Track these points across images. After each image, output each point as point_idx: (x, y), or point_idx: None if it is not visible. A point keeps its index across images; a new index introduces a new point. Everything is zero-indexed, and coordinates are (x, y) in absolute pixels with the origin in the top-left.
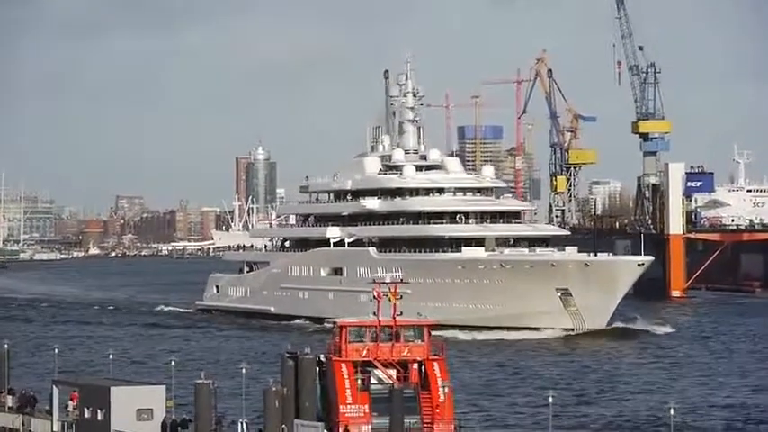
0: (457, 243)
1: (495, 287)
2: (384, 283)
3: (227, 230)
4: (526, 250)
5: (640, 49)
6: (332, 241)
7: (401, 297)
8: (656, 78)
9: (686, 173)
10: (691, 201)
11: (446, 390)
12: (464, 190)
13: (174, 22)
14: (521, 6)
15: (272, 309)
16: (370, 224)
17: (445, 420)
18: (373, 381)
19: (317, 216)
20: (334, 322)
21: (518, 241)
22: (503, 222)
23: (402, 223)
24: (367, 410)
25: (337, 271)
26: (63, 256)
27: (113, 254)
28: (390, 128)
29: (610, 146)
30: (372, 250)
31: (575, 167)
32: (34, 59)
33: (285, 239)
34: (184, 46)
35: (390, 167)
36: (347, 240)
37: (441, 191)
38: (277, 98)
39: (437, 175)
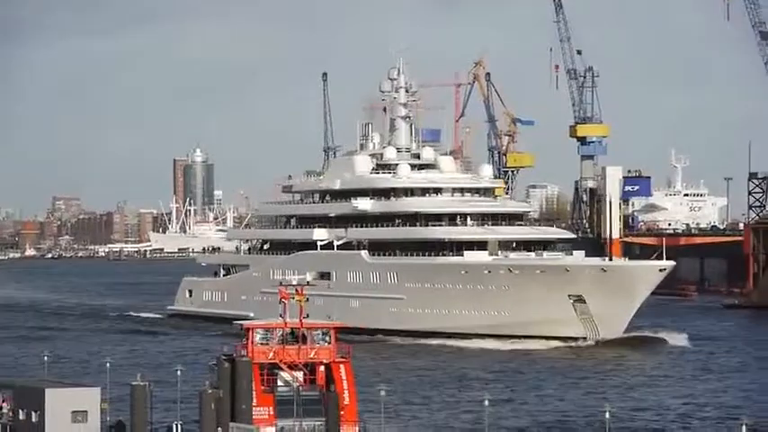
0: (458, 246)
1: (501, 293)
2: (291, 285)
3: (165, 232)
4: (532, 254)
5: (578, 52)
6: (319, 244)
7: (308, 299)
8: (594, 82)
9: (624, 177)
10: (628, 205)
11: (383, 393)
12: (462, 190)
13: (113, 24)
14: (459, 11)
15: (252, 314)
16: (361, 226)
17: (350, 422)
18: (279, 383)
19: (301, 217)
20: (241, 324)
21: (519, 244)
22: (505, 224)
23: (397, 225)
24: (272, 412)
25: (324, 275)
26: None
27: (50, 255)
28: (329, 131)
29: (547, 150)
30: (364, 253)
31: (512, 171)
32: None
33: (265, 242)
34: (123, 48)
35: (382, 166)
36: (336, 243)
37: (438, 191)
38: (215, 100)
39: (433, 174)
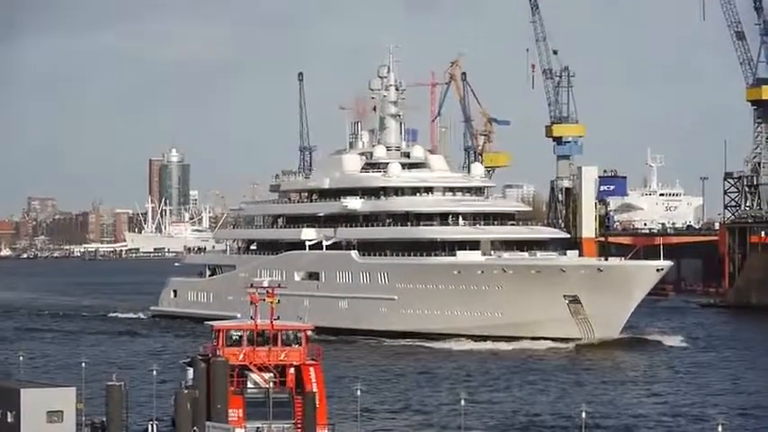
0: (450, 246)
1: (495, 293)
2: (261, 287)
3: (140, 232)
4: (525, 254)
5: (554, 52)
6: (307, 244)
7: (279, 301)
8: (570, 82)
9: (599, 176)
10: (604, 204)
11: (359, 393)
12: (453, 189)
13: (90, 22)
14: (436, 10)
15: (239, 315)
16: (350, 225)
17: (319, 425)
18: (250, 385)
19: (289, 217)
20: (212, 325)
21: (511, 244)
22: (497, 224)
23: (388, 225)
24: (241, 414)
25: (313, 275)
26: None
27: (25, 255)
28: (305, 131)
29: (524, 149)
30: (354, 253)
31: (488, 171)
32: None
33: (251, 242)
34: (99, 46)
35: (372, 165)
36: (325, 243)
37: (429, 190)
38: (191, 100)
39: (424, 173)
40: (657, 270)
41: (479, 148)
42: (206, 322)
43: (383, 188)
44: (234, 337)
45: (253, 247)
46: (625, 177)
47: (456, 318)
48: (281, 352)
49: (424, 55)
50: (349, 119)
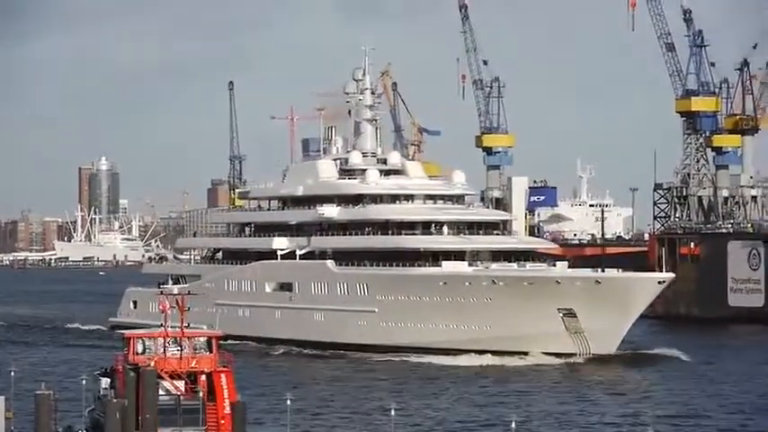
0: (434, 256)
1: (483, 306)
2: (171, 294)
3: (70, 241)
4: (514, 265)
5: (485, 63)
6: (279, 253)
7: (189, 308)
8: (501, 92)
9: (529, 187)
10: (534, 215)
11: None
12: (434, 197)
13: (22, 29)
14: (368, 20)
15: (204, 326)
16: (324, 234)
17: None
18: (162, 392)
19: (259, 225)
20: (123, 334)
21: (498, 254)
22: (482, 233)
23: (368, 233)
24: None
25: (285, 286)
26: None
27: None
28: (235, 140)
29: (454, 159)
30: (330, 263)
31: None
32: None
33: (217, 251)
34: (27, 54)
35: (347, 171)
36: (299, 252)
37: (409, 198)
38: (120, 107)
39: (402, 180)
40: (659, 282)
41: (410, 157)
42: (117, 331)
43: (361, 195)
44: (145, 345)
45: (219, 256)
46: (555, 188)
47: (440, 331)
48: (192, 359)
49: (354, 64)
50: (323, 124)
